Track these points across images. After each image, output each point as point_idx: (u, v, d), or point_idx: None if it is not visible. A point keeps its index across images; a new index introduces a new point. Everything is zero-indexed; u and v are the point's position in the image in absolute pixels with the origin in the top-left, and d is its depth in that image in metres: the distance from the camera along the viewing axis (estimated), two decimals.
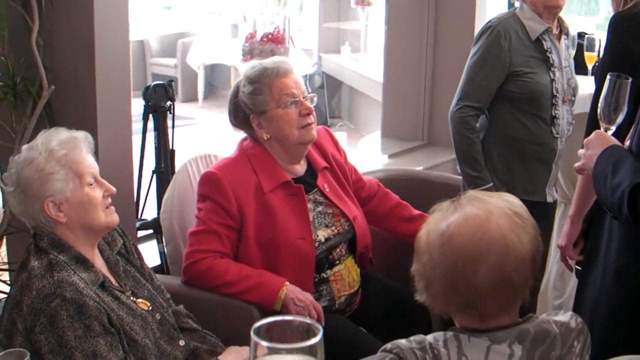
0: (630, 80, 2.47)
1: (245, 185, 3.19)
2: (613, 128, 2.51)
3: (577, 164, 2.53)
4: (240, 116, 3.31)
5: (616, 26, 3.00)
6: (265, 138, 3.26)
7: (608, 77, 2.50)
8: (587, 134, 2.99)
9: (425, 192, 3.99)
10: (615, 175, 2.24)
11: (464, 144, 3.72)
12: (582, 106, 4.23)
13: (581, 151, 2.50)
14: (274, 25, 9.37)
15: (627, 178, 2.18)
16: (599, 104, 2.52)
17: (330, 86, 10.19)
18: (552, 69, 3.72)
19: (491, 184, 3.67)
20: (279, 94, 3.21)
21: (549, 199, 3.86)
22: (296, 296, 3.08)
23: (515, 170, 3.76)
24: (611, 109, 2.49)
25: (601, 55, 4.94)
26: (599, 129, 2.76)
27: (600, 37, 5.23)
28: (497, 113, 3.75)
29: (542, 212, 3.81)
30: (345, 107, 10.44)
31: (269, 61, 3.34)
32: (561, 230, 4.42)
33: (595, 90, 3.05)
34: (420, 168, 4.91)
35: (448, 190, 3.78)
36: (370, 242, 3.47)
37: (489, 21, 3.82)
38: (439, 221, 1.93)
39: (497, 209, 1.90)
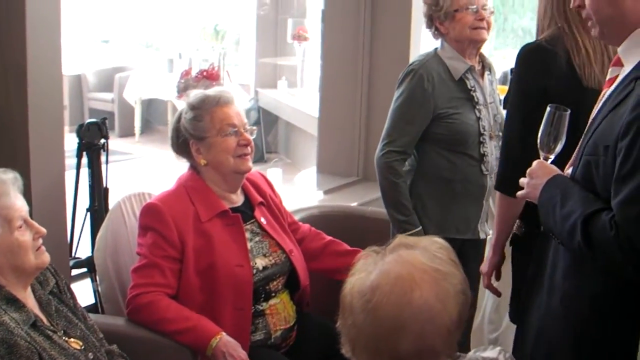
0: (569, 111, 2.54)
1: (185, 215, 3.23)
2: (552, 157, 2.58)
3: (520, 193, 2.59)
4: (180, 141, 3.37)
5: (525, 58, 3.04)
6: (203, 164, 3.31)
7: (547, 108, 2.57)
8: (505, 163, 3.09)
9: (359, 228, 4.04)
10: (565, 205, 2.33)
11: (390, 190, 3.72)
12: None
13: (523, 180, 2.57)
14: (209, 62, 9.37)
15: (578, 208, 2.27)
16: (539, 134, 2.58)
17: (267, 121, 10.20)
18: (478, 107, 3.74)
19: (419, 228, 3.68)
20: (221, 122, 3.29)
21: (482, 236, 3.88)
22: (228, 350, 3.08)
23: (447, 210, 3.77)
24: (551, 139, 2.56)
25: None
26: (514, 158, 2.82)
27: None
28: (425, 154, 3.76)
29: (475, 249, 3.86)
30: (282, 141, 10.45)
31: (212, 90, 3.43)
32: None
33: (508, 122, 3.14)
34: (355, 204, 4.94)
35: (382, 226, 3.85)
36: (308, 283, 3.50)
37: (411, 64, 3.82)
38: (364, 279, 1.90)
39: (422, 272, 1.87)
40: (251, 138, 3.35)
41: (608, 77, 2.56)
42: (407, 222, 3.69)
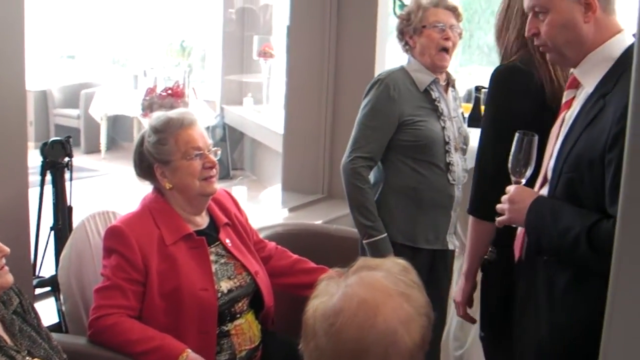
0: (537, 136, 2.63)
1: (149, 238, 3.21)
2: (523, 181, 2.67)
3: (501, 219, 2.67)
4: (144, 165, 3.35)
5: (500, 80, 3.05)
6: (168, 187, 3.30)
7: (516, 134, 2.65)
8: (477, 186, 3.11)
9: (324, 246, 4.05)
10: (558, 222, 2.45)
11: (356, 194, 3.76)
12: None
13: (503, 206, 2.65)
14: (173, 80, 9.35)
15: (577, 222, 2.39)
16: (509, 160, 2.66)
17: (233, 138, 10.21)
18: (442, 117, 3.81)
19: (385, 235, 3.71)
20: (185, 145, 3.27)
21: (450, 247, 3.93)
22: None
23: (415, 220, 3.81)
24: (521, 164, 2.64)
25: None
26: (489, 181, 2.86)
27: None
28: (391, 164, 3.81)
29: (444, 260, 3.91)
30: (247, 158, 10.46)
31: (173, 112, 3.40)
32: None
33: (482, 145, 3.13)
34: (320, 221, 4.95)
35: (348, 244, 3.86)
36: (273, 303, 3.51)
37: (378, 75, 3.92)
38: (326, 302, 1.90)
39: (386, 296, 1.87)
40: (215, 159, 3.35)
41: (565, 99, 2.65)
42: (373, 227, 3.73)
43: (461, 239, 4.42)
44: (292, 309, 3.43)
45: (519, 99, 2.97)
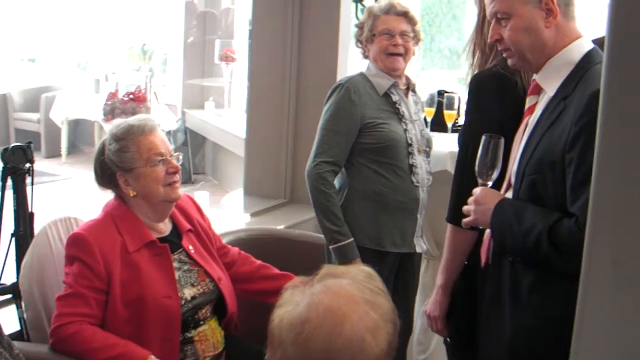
0: (502, 139, 2.68)
1: (112, 245, 3.19)
2: (490, 184, 2.72)
3: (467, 220, 2.74)
4: (107, 174, 3.32)
5: (479, 88, 3.05)
6: (132, 195, 3.27)
7: (483, 138, 2.70)
8: (456, 194, 3.10)
9: (287, 251, 4.05)
10: (521, 222, 2.51)
11: (322, 199, 3.78)
12: (441, 164, 4.35)
13: (469, 207, 2.71)
14: (135, 85, 9.30)
15: (539, 222, 2.46)
16: (476, 163, 2.71)
17: (195, 142, 10.18)
18: (404, 120, 3.88)
19: (351, 239, 3.73)
20: (148, 152, 3.25)
21: (418, 249, 3.96)
22: None
23: (381, 224, 3.84)
24: (487, 167, 2.69)
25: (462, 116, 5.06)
26: (468, 189, 2.89)
27: (461, 93, 5.38)
28: (355, 169, 3.84)
29: (411, 264, 3.95)
30: (209, 163, 10.43)
31: (134, 119, 3.37)
32: (425, 286, 4.57)
33: (462, 152, 3.09)
34: (282, 226, 4.95)
35: (311, 249, 3.87)
36: (236, 308, 3.50)
37: (339, 80, 3.98)
38: (292, 312, 1.89)
39: (352, 304, 1.87)
40: (178, 164, 3.35)
41: (527, 105, 2.71)
42: (339, 232, 3.75)
43: (426, 243, 4.43)
44: (255, 314, 3.43)
45: (500, 106, 2.98)
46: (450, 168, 4.51)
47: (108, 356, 3.05)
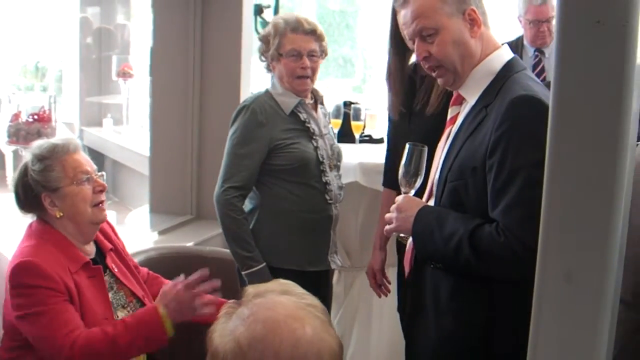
0: (426, 148, 2.75)
1: (60, 266, 3.08)
2: (412, 192, 2.78)
3: (389, 227, 2.79)
4: (30, 196, 3.22)
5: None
6: (58, 216, 3.19)
7: (407, 146, 2.78)
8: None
9: (198, 268, 3.99)
10: (443, 228, 2.56)
11: (231, 226, 3.74)
12: (350, 175, 4.37)
13: (391, 215, 2.76)
14: (39, 106, 9.16)
15: (460, 227, 2.51)
16: (400, 171, 2.78)
17: (94, 160, 9.99)
18: (314, 137, 3.83)
19: (263, 264, 3.70)
20: (74, 170, 3.20)
21: (333, 266, 3.95)
22: (177, 297, 3.10)
23: (295, 243, 3.82)
24: (411, 174, 2.75)
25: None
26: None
27: (363, 103, 5.42)
28: (268, 189, 3.80)
29: (326, 281, 3.93)
30: (109, 180, 10.25)
31: (56, 139, 3.33)
32: (337, 296, 4.62)
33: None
34: (191, 243, 4.90)
35: (221, 265, 3.84)
36: None
37: (244, 101, 3.91)
38: (242, 336, 1.82)
39: (297, 309, 1.85)
40: (104, 182, 3.29)
41: (449, 116, 2.74)
42: (251, 258, 3.72)
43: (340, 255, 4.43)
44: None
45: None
46: (360, 179, 4.54)
47: (129, 338, 3.02)
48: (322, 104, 4.02)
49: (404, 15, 2.69)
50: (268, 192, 3.82)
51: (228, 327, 1.85)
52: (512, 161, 2.40)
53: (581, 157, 1.34)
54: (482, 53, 2.65)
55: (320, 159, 3.80)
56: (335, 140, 4.06)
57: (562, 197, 1.40)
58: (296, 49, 3.79)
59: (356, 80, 9.72)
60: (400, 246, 3.40)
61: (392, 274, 3.88)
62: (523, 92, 2.48)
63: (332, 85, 8.92)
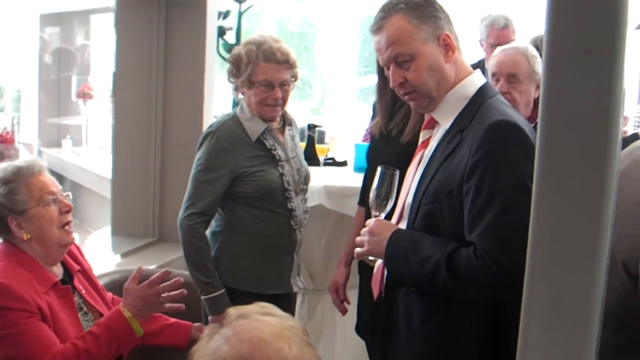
0: (398, 171, 2.76)
1: (30, 286, 3.04)
2: (383, 215, 2.77)
3: (360, 250, 2.77)
4: None
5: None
6: (25, 238, 3.15)
7: (378, 169, 2.77)
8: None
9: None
10: (418, 252, 2.55)
11: (193, 252, 3.72)
12: (315, 198, 4.37)
13: (362, 238, 2.74)
14: (2, 127, 9.12)
15: (436, 251, 2.50)
16: (371, 195, 2.79)
17: None
18: (280, 163, 3.79)
19: (222, 290, 3.68)
20: (40, 192, 3.17)
21: (295, 289, 3.94)
22: (132, 303, 3.15)
23: (258, 267, 3.80)
24: (382, 198, 2.74)
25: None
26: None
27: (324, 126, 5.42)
28: (232, 214, 3.78)
29: (287, 303, 3.91)
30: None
31: (19, 161, 3.29)
32: (301, 319, 4.63)
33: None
34: (154, 266, 4.86)
35: (187, 288, 3.80)
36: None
37: (210, 126, 3.86)
38: (209, 356, 1.79)
39: (281, 329, 1.83)
40: (70, 203, 3.27)
41: (421, 139, 2.74)
42: (211, 284, 3.70)
43: (303, 278, 4.42)
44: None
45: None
46: (325, 202, 4.54)
47: (99, 342, 3.06)
48: (290, 125, 3.98)
49: (377, 41, 2.69)
50: (232, 216, 3.80)
51: (210, 346, 1.81)
52: (490, 185, 2.42)
53: (568, 184, 1.35)
54: (456, 77, 2.67)
55: (286, 185, 3.78)
56: (303, 162, 4.01)
57: (549, 223, 1.40)
58: (268, 80, 3.72)
59: (314, 102, 9.75)
60: (363, 267, 3.40)
61: (352, 295, 3.88)
62: (500, 117, 2.50)
63: (290, 107, 8.93)
